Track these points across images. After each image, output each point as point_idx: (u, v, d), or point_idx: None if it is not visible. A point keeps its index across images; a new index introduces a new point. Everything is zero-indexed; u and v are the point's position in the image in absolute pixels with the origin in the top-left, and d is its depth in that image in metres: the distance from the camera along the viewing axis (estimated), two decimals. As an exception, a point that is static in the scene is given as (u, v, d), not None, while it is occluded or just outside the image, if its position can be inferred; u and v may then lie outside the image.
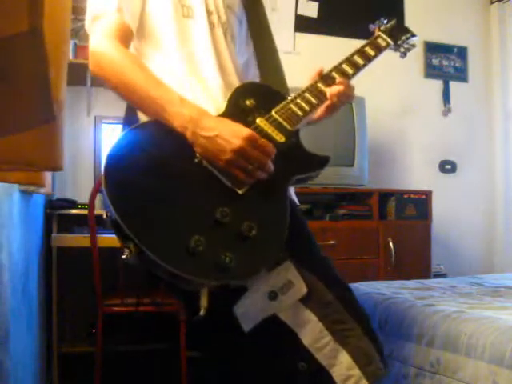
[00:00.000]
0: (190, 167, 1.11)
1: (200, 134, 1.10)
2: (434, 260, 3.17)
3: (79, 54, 2.65)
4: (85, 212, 2.38)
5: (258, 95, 1.24)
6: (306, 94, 1.26)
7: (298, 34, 3.39)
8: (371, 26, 1.47)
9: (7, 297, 1.37)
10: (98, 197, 2.30)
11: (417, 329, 1.63)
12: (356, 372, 1.17)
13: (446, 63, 3.81)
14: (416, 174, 3.66)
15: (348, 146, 3.02)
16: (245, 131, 1.10)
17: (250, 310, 1.16)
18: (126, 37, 1.21)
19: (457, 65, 3.84)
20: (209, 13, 1.30)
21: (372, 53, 1.37)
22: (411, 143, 3.68)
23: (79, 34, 2.80)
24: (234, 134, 1.10)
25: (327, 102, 1.28)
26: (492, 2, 3.91)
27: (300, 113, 1.23)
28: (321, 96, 1.27)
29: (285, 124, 1.21)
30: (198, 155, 1.12)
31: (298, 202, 1.36)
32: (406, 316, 1.70)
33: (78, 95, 2.88)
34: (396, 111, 3.62)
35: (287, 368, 1.19)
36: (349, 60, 1.34)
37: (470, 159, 3.83)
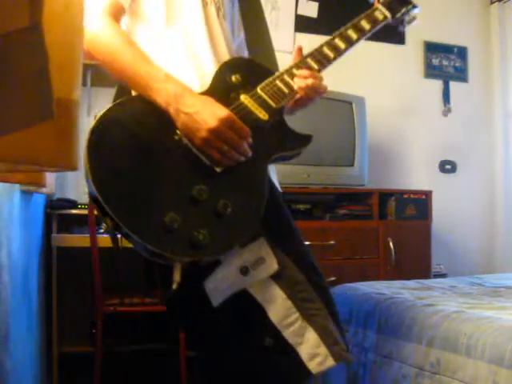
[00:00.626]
0: (170, 144, 1.12)
1: (181, 110, 1.10)
2: (434, 260, 3.17)
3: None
4: (85, 212, 2.38)
5: (244, 71, 1.23)
6: (294, 70, 1.24)
7: (298, 34, 3.39)
8: None
9: (7, 297, 1.37)
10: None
11: (417, 329, 1.63)
12: (323, 350, 1.17)
13: (446, 63, 3.81)
14: (416, 174, 3.66)
15: (348, 146, 3.03)
16: (223, 112, 1.11)
17: (220, 285, 1.17)
18: (117, 13, 1.21)
19: (457, 65, 3.84)
20: None
21: (367, 26, 1.34)
22: (411, 143, 3.68)
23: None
24: (212, 114, 1.10)
25: (296, 96, 1.26)
26: (492, 2, 3.91)
27: (285, 90, 1.22)
28: (309, 69, 1.25)
29: (269, 101, 1.20)
30: (178, 132, 1.12)
31: (280, 189, 1.35)
32: (406, 316, 1.70)
33: (78, 95, 2.88)
34: (396, 111, 3.62)
35: (255, 344, 1.19)
36: (342, 34, 1.31)
37: (470, 159, 3.83)
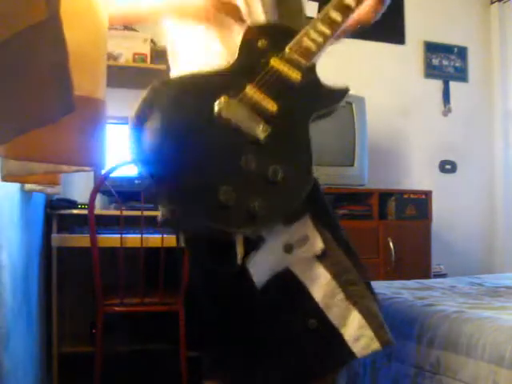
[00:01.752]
0: (211, 122, 1.10)
1: None
2: (434, 260, 3.17)
3: (79, 54, 2.65)
4: (85, 212, 2.38)
5: (269, 34, 1.22)
6: (319, 25, 1.21)
7: (298, 34, 3.39)
8: None
9: (7, 297, 1.37)
10: (98, 197, 2.30)
11: (417, 329, 1.63)
12: (368, 332, 1.15)
13: (446, 63, 3.81)
14: (416, 174, 3.66)
15: (348, 146, 3.02)
16: None
17: (263, 263, 1.15)
18: None
19: (457, 65, 3.84)
20: None
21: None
22: (411, 143, 3.68)
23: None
24: None
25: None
26: (492, 2, 3.91)
27: (314, 46, 1.19)
28: (334, 25, 1.21)
29: (300, 60, 1.18)
30: (215, 105, 1.10)
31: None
32: (406, 316, 1.70)
33: (78, 95, 2.88)
34: (396, 111, 3.62)
35: (297, 325, 1.16)
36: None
37: (470, 159, 3.83)
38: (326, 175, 2.95)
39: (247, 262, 1.15)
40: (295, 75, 1.17)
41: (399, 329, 1.70)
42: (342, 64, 2.97)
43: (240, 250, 1.06)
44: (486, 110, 3.91)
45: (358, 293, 1.18)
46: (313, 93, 1.21)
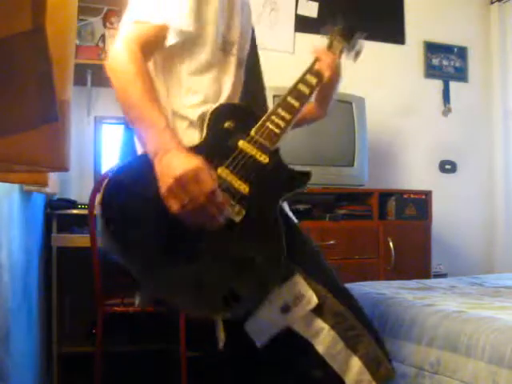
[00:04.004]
0: None
1: (161, 162, 1.09)
2: (434, 260, 3.16)
3: (79, 54, 2.65)
4: (85, 212, 2.38)
5: (234, 116, 1.26)
6: (279, 110, 1.27)
7: (298, 34, 3.39)
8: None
9: (7, 297, 1.37)
10: (98, 197, 2.30)
11: (417, 329, 1.63)
12: (366, 377, 1.22)
13: (446, 63, 3.81)
14: (416, 174, 3.66)
15: (348, 146, 3.02)
16: (192, 163, 1.07)
17: (262, 325, 1.20)
18: (151, 47, 1.21)
19: (457, 65, 3.84)
20: (241, 49, 1.34)
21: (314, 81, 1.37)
22: (411, 143, 3.68)
23: (80, 33, 2.80)
24: (182, 163, 1.07)
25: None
26: (492, 2, 3.91)
27: (277, 130, 1.25)
28: (292, 110, 1.29)
29: (266, 143, 1.22)
30: None
31: (295, 220, 1.38)
32: (406, 316, 1.70)
33: (78, 95, 2.88)
34: (396, 111, 3.62)
35: (302, 378, 1.22)
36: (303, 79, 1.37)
37: (470, 159, 3.83)
38: (326, 175, 2.95)
39: (245, 326, 1.20)
40: (263, 158, 1.21)
41: (399, 329, 1.70)
42: (342, 64, 2.95)
43: (221, 336, 1.09)
44: (486, 110, 3.90)
45: (356, 339, 1.24)
46: (280, 176, 1.25)
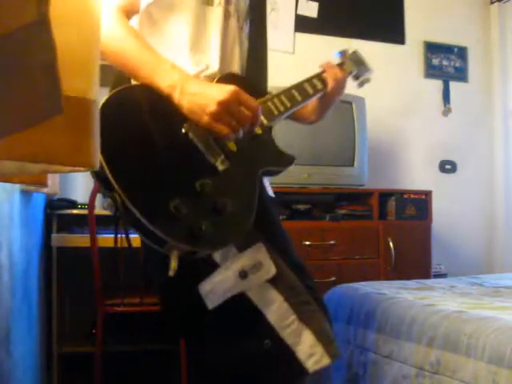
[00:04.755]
0: (176, 136, 1.15)
1: (187, 92, 1.12)
2: (434, 260, 3.17)
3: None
4: (85, 212, 2.38)
5: (240, 85, 1.24)
6: (282, 97, 1.33)
7: (298, 34, 3.39)
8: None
9: (7, 297, 1.37)
10: (98, 197, 2.30)
11: (417, 329, 1.63)
12: (319, 350, 1.23)
13: (446, 63, 3.81)
14: (416, 174, 3.66)
15: (348, 146, 3.02)
16: (230, 87, 1.13)
17: (217, 288, 1.21)
18: (129, 13, 1.23)
19: (457, 65, 3.84)
20: (227, 2, 1.32)
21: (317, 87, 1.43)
22: (411, 143, 3.68)
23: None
24: (220, 89, 1.12)
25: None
26: (492, 2, 3.91)
27: (275, 111, 1.31)
28: (293, 100, 1.35)
29: (262, 118, 1.25)
30: (184, 126, 1.14)
31: (272, 194, 1.41)
32: (406, 316, 1.70)
33: (78, 95, 2.88)
34: (396, 111, 3.62)
35: (252, 346, 1.23)
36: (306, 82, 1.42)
37: (470, 159, 3.83)
38: (325, 175, 2.95)
39: (199, 287, 1.21)
40: (257, 129, 1.24)
41: (399, 329, 1.70)
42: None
43: (173, 265, 1.08)
44: (486, 110, 3.90)
45: (310, 313, 1.25)
46: (268, 149, 1.31)
